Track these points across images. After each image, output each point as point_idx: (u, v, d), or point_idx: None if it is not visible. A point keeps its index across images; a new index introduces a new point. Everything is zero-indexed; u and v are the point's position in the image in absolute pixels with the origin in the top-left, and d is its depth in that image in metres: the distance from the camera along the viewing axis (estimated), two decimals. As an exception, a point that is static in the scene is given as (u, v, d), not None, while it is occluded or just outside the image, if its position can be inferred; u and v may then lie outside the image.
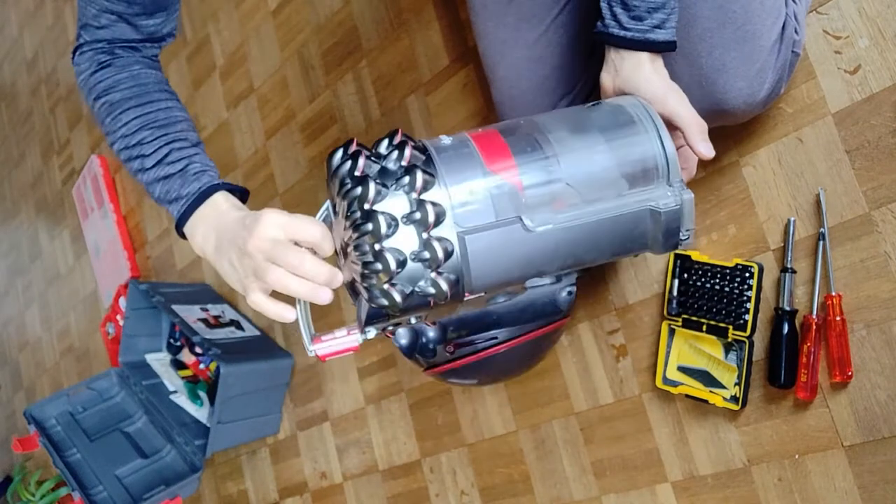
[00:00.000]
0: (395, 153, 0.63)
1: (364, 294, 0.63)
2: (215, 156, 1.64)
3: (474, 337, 0.95)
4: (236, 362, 1.49)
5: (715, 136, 0.75)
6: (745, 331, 0.91)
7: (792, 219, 0.90)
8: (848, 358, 0.86)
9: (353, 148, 0.64)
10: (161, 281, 2.00)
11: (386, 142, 0.64)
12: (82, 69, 0.83)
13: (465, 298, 0.65)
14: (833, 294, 0.86)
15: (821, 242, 0.88)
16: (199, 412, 1.71)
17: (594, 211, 0.65)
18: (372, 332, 0.70)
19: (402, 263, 0.60)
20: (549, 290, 0.97)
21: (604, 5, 0.73)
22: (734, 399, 0.93)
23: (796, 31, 0.84)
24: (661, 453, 1.03)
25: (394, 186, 0.61)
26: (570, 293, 0.98)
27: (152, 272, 2.05)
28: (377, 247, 0.60)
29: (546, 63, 0.93)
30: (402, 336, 0.97)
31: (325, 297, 0.64)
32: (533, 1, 0.92)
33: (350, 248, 0.62)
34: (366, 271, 0.61)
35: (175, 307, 1.64)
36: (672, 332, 0.99)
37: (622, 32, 0.72)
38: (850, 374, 0.86)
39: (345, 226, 0.63)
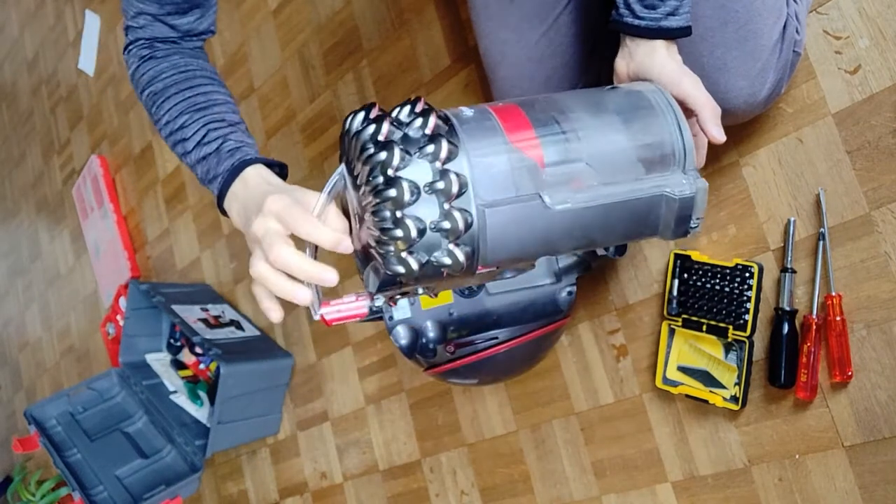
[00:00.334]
0: (419, 121, 0.62)
1: (379, 260, 0.62)
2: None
3: (474, 337, 0.95)
4: (236, 362, 1.49)
5: (715, 135, 0.75)
6: (745, 331, 0.91)
7: (792, 219, 0.90)
8: (848, 358, 0.86)
9: (376, 112, 0.64)
10: (161, 281, 2.00)
11: (408, 108, 0.64)
12: (129, 66, 0.85)
13: (477, 271, 0.65)
14: (833, 294, 0.86)
15: (821, 242, 0.88)
16: (200, 412, 1.71)
17: (611, 193, 0.65)
18: (380, 300, 0.69)
19: (421, 232, 0.60)
20: (549, 290, 0.97)
21: None
22: (734, 399, 0.93)
23: (797, 31, 0.84)
24: (661, 453, 1.03)
25: (417, 154, 0.61)
26: (570, 293, 0.98)
27: (152, 272, 2.05)
28: (398, 213, 0.60)
29: (547, 63, 0.93)
30: (402, 336, 0.96)
31: (301, 296, 0.62)
32: (534, 1, 0.92)
33: (367, 214, 0.62)
34: (385, 237, 0.60)
35: (175, 307, 1.64)
36: (672, 332, 0.99)
37: (636, 21, 0.72)
38: (850, 374, 0.86)
39: (364, 191, 0.62)
